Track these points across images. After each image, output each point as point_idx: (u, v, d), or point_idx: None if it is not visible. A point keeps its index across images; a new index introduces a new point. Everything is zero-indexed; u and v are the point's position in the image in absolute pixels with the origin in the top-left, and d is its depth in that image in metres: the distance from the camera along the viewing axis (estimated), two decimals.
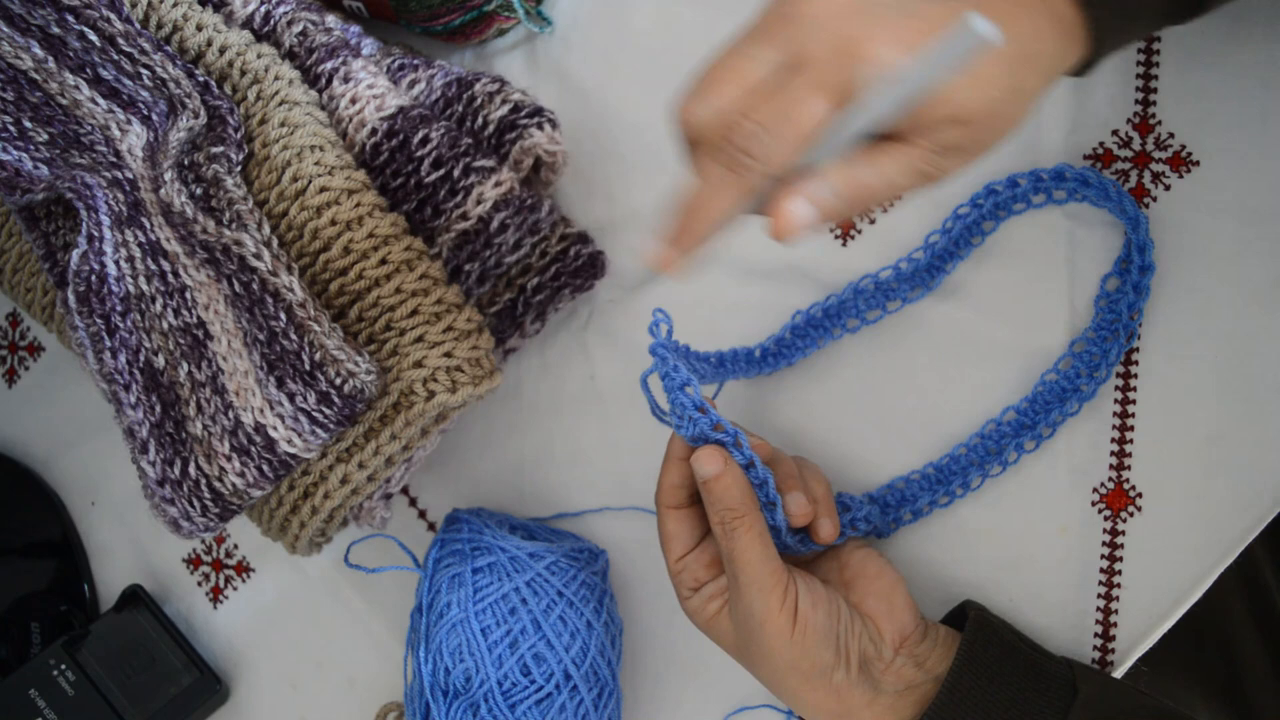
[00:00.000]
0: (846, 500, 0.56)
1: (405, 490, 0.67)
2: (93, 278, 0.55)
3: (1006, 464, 0.55)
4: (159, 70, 0.57)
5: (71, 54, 0.58)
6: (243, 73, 0.57)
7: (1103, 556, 0.54)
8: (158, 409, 0.54)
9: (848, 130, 0.39)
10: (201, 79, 0.56)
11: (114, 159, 0.57)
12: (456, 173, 0.55)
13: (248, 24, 0.59)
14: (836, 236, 0.59)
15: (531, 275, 0.61)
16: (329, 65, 0.57)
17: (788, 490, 0.51)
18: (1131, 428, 0.54)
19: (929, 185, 0.42)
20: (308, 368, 0.52)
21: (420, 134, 0.55)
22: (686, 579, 0.52)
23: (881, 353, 0.58)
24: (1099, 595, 0.54)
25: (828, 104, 0.38)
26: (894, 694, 0.49)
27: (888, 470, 0.58)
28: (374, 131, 0.56)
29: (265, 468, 0.53)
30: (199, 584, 0.72)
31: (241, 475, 0.53)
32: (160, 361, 0.55)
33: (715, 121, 0.40)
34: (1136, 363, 0.54)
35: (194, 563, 0.72)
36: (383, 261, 0.53)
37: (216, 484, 0.54)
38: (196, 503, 0.54)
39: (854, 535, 0.55)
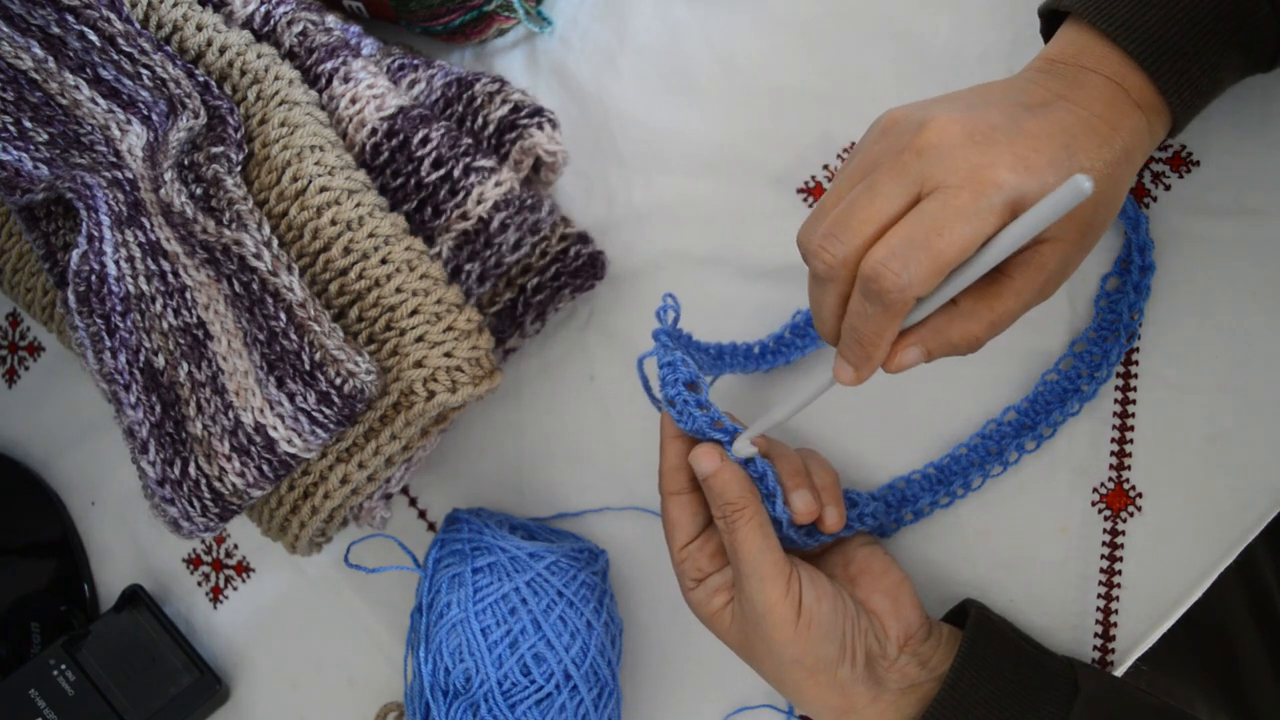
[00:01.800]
0: (854, 496, 0.56)
1: (405, 490, 0.67)
2: (93, 278, 0.55)
3: (1007, 464, 0.55)
4: (159, 70, 0.57)
5: (71, 54, 0.58)
6: (243, 73, 0.57)
7: (1103, 556, 0.54)
8: (158, 409, 0.54)
9: (978, 266, 0.41)
10: (201, 79, 0.56)
11: (114, 159, 0.56)
12: (457, 173, 0.55)
13: (248, 24, 0.59)
14: None
15: (531, 275, 0.61)
16: (329, 65, 0.57)
17: (794, 488, 0.51)
18: (1131, 428, 0.54)
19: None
20: (308, 368, 0.52)
21: (420, 134, 0.55)
22: (690, 569, 0.52)
23: None
24: (1099, 595, 0.54)
25: (967, 230, 0.40)
26: (897, 692, 0.49)
27: (888, 470, 0.58)
28: (374, 131, 0.56)
29: (265, 468, 0.53)
30: (199, 584, 0.72)
31: (241, 475, 0.53)
32: (160, 361, 0.55)
33: (854, 260, 0.42)
34: (1136, 363, 0.54)
35: (194, 563, 0.72)
36: (383, 261, 0.53)
37: (216, 484, 0.54)
38: (196, 503, 0.54)
39: (860, 529, 0.54)
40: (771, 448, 0.53)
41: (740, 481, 0.49)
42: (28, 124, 0.58)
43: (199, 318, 0.54)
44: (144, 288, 0.55)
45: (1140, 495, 0.54)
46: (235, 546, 0.72)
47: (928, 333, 0.44)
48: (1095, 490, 0.54)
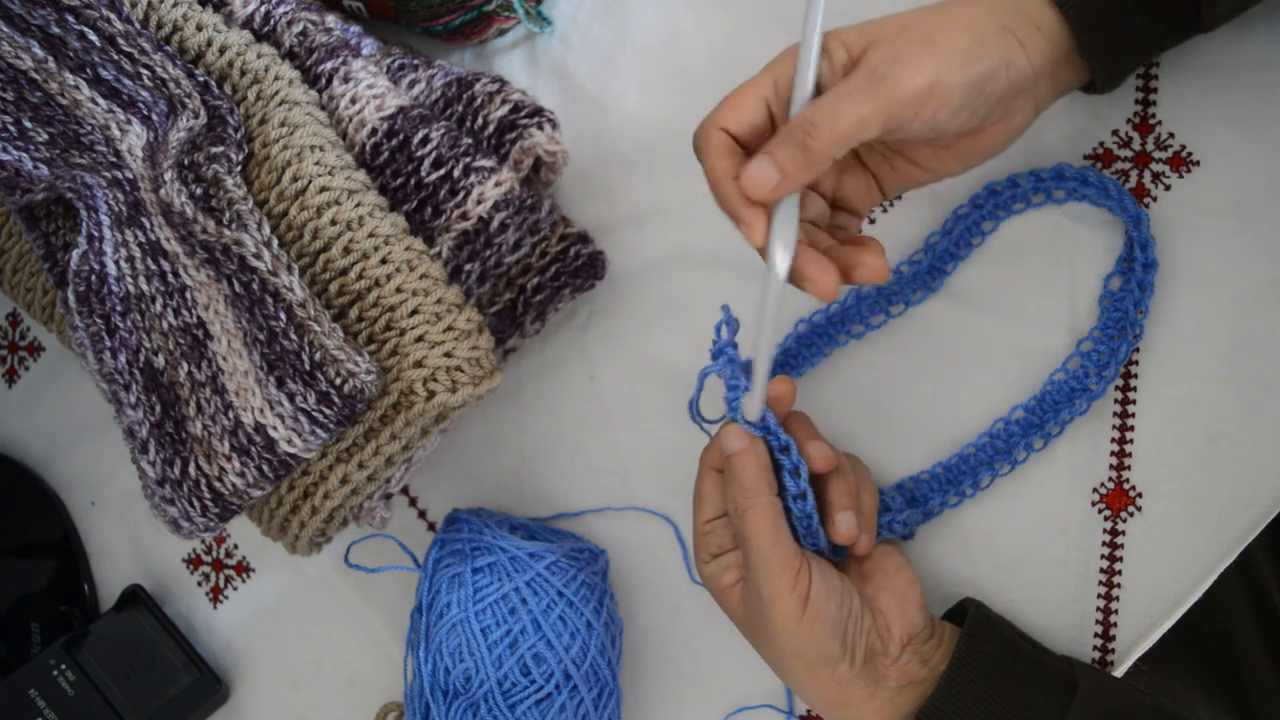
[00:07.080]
0: (887, 500, 0.56)
1: (405, 490, 0.67)
2: (93, 278, 0.55)
3: (1015, 463, 0.55)
4: (159, 70, 0.57)
5: (71, 54, 0.58)
6: (243, 73, 0.57)
7: (1103, 556, 0.54)
8: (158, 409, 0.54)
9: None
10: (201, 79, 0.56)
11: (114, 159, 0.56)
12: (457, 173, 0.55)
13: (248, 24, 0.59)
14: None
15: (531, 275, 0.61)
16: (329, 65, 0.57)
17: (841, 509, 0.51)
18: (1132, 428, 0.54)
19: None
20: (308, 368, 0.52)
21: (420, 134, 0.55)
22: (710, 543, 0.52)
23: (886, 356, 0.58)
24: (1099, 595, 0.54)
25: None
26: (895, 689, 0.50)
27: (897, 473, 0.58)
28: (374, 131, 0.56)
29: (265, 468, 0.53)
30: (199, 584, 0.72)
31: (241, 475, 0.53)
32: (160, 361, 0.55)
33: (763, 118, 0.46)
34: (1137, 363, 0.54)
35: (194, 563, 0.72)
36: (383, 261, 0.53)
37: (216, 484, 0.54)
38: (196, 503, 0.54)
39: (888, 537, 0.55)
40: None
41: (758, 469, 0.49)
42: (28, 124, 0.58)
43: (199, 318, 0.54)
44: (144, 288, 0.55)
45: (1140, 495, 0.54)
46: (235, 546, 0.72)
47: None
48: (1095, 490, 0.54)
